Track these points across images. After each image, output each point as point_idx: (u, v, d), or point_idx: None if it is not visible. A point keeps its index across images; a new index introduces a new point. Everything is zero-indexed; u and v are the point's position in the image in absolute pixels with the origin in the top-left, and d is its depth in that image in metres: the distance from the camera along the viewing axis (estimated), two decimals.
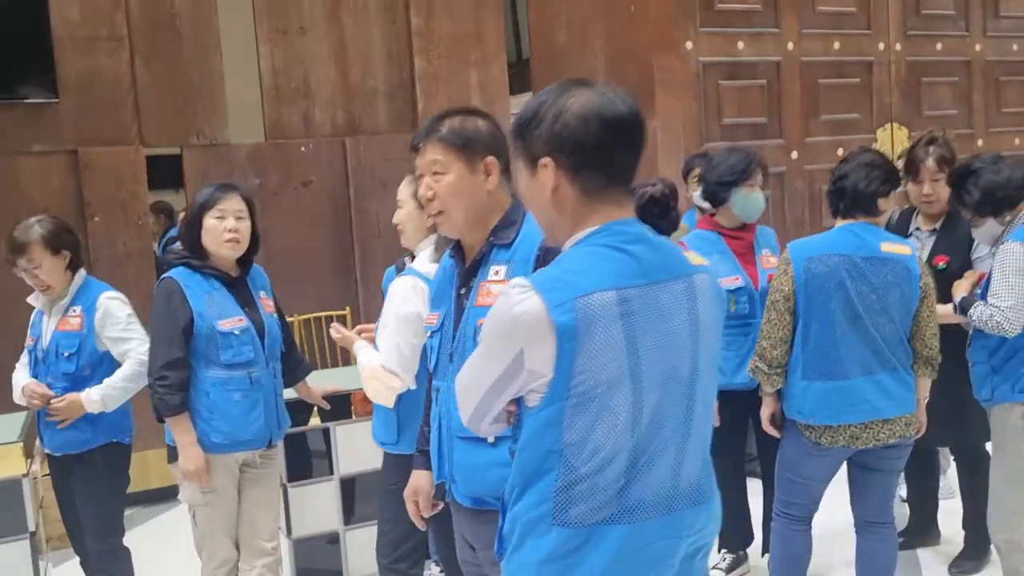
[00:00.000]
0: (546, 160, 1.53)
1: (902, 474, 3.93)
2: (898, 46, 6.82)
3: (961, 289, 3.11)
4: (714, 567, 3.57)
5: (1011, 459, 2.97)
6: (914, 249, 2.92)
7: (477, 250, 2.03)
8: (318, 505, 3.51)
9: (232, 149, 5.12)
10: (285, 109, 5.24)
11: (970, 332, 3.07)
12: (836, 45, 6.59)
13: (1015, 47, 7.31)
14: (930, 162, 3.40)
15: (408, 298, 2.57)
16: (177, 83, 4.95)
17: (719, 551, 3.61)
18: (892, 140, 6.84)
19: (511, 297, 1.46)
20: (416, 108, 5.55)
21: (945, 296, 3.12)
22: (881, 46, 6.76)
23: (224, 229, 2.95)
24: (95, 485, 3.07)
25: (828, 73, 6.59)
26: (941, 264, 3.35)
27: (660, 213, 3.59)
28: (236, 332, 2.93)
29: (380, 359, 2.48)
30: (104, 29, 4.76)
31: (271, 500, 3.11)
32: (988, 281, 2.98)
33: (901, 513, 3.85)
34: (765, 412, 3.01)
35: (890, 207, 2.93)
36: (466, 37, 5.63)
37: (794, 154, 6.19)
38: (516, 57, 6.88)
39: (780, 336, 2.87)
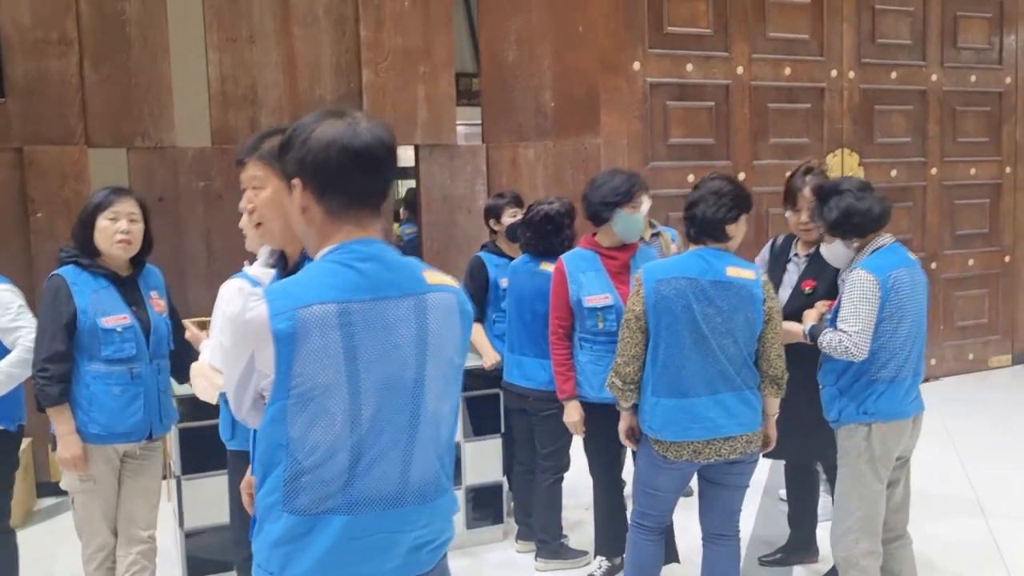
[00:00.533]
0: (296, 181, 1.68)
1: (783, 491, 4.07)
2: (851, 73, 6.94)
3: (810, 317, 3.23)
4: (589, 575, 3.70)
5: (854, 478, 3.08)
6: (758, 274, 3.04)
7: (294, 260, 2.18)
8: (211, 497, 3.65)
9: (178, 152, 5.29)
10: (232, 115, 5.41)
11: (821, 356, 3.19)
12: (787, 71, 6.72)
13: (973, 78, 7.40)
14: (807, 191, 3.51)
15: (233, 299, 2.70)
16: (125, 86, 5.13)
17: (595, 557, 3.74)
18: (843, 165, 6.95)
19: (247, 303, 1.60)
20: None
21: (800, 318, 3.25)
22: (834, 73, 6.88)
23: (116, 230, 3.11)
24: None
25: (778, 98, 6.71)
26: (808, 288, 3.46)
27: (554, 230, 3.74)
28: (119, 329, 3.08)
29: (207, 357, 2.62)
30: (54, 32, 4.95)
31: (150, 491, 3.25)
32: (838, 307, 3.10)
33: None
34: (622, 426, 3.14)
35: (740, 232, 3.04)
36: (414, 51, 5.79)
37: (742, 175, 6.30)
38: (477, 69, 7.02)
39: (632, 353, 3.00)
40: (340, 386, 1.59)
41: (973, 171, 7.49)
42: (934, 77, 7.25)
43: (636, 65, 6.16)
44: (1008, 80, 7.52)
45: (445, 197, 5.98)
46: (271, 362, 1.57)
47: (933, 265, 7.21)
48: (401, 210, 7.71)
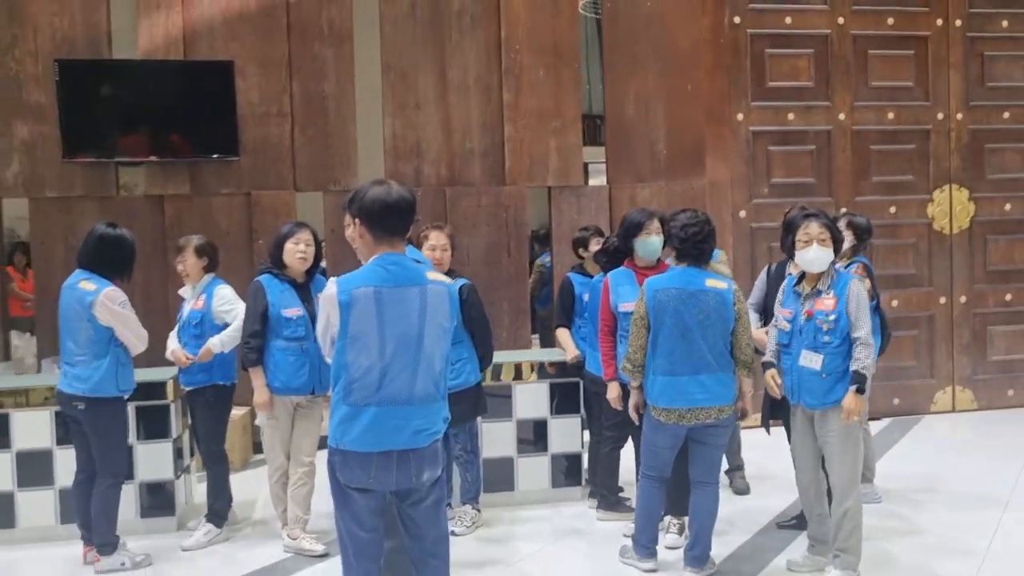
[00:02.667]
0: (356, 221, 2.98)
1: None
2: (959, 115, 7.46)
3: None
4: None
5: (854, 440, 3.96)
6: (730, 284, 4.03)
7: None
8: None
9: None
10: (401, 164, 6.93)
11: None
12: (890, 115, 7.41)
13: None
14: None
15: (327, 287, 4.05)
16: (322, 145, 6.79)
17: (593, 498, 5.01)
18: (951, 200, 7.47)
19: (328, 287, 2.93)
20: (504, 166, 7.07)
21: None
22: (940, 116, 7.46)
23: (297, 251, 4.61)
24: (205, 411, 4.81)
25: (881, 140, 7.40)
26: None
27: (620, 258, 4.85)
28: (294, 318, 4.56)
29: None
30: (274, 107, 6.70)
31: (312, 430, 4.68)
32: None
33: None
34: (632, 400, 4.22)
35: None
36: (547, 110, 7.08)
37: (843, 210, 7.01)
38: (588, 111, 8.19)
39: (639, 344, 4.08)
40: (373, 334, 2.87)
41: None
42: None
43: (740, 116, 7.12)
44: None
45: (573, 230, 7.18)
46: (337, 318, 2.88)
47: None
48: (536, 245, 9.00)
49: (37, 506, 4.87)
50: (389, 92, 6.92)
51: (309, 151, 6.79)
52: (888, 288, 7.40)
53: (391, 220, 2.96)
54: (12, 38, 6.41)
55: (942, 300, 7.52)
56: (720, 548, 4.41)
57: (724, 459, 5.32)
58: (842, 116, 7.29)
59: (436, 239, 4.83)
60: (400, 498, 2.98)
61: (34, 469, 4.86)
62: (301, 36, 6.75)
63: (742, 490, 5.43)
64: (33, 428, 4.87)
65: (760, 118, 7.17)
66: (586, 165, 8.96)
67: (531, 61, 7.04)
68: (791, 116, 7.22)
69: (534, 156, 7.09)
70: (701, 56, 7.08)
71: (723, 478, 5.32)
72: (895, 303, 7.39)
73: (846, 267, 4.84)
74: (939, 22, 7.42)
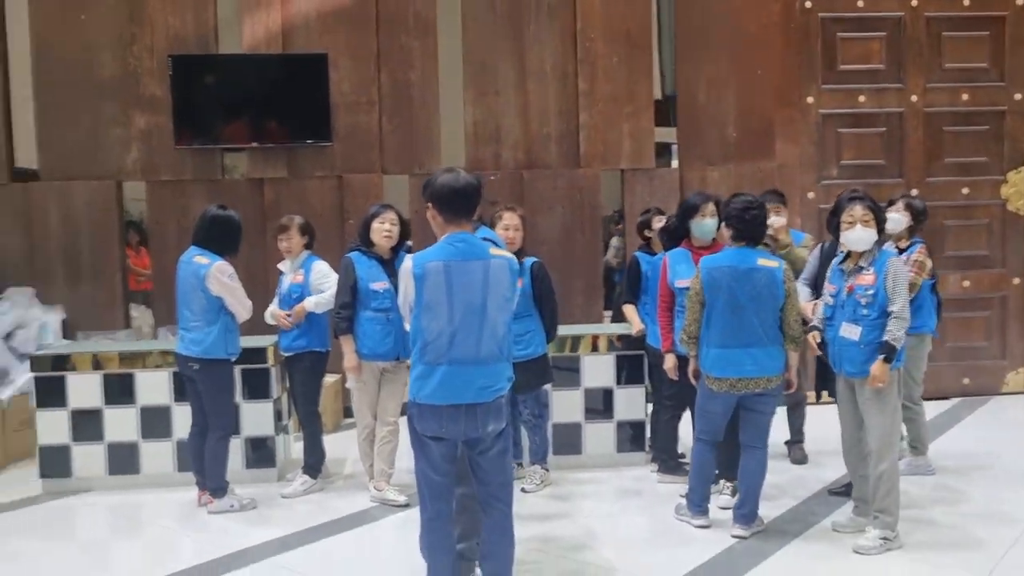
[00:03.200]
0: (429, 205, 3.39)
1: None
2: None
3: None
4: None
5: (895, 405, 4.26)
6: (781, 264, 4.32)
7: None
8: None
9: None
10: (480, 149, 7.36)
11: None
12: (965, 96, 7.44)
13: None
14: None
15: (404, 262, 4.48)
16: (408, 132, 7.26)
17: (654, 462, 5.39)
18: None
19: (406, 262, 3.37)
20: (579, 150, 7.41)
21: None
22: (1018, 96, 7.45)
23: (383, 230, 5.09)
24: (302, 375, 5.35)
25: (955, 121, 7.46)
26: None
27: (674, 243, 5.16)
28: (380, 291, 5.03)
29: None
30: (364, 97, 7.20)
31: (397, 393, 5.15)
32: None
33: None
34: (690, 367, 4.56)
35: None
36: (620, 96, 7.39)
37: (914, 192, 7.13)
38: (661, 95, 8.46)
39: (694, 318, 4.41)
40: (443, 302, 3.29)
41: None
42: None
43: (810, 99, 7.29)
44: None
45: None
46: (412, 289, 3.32)
47: None
48: (612, 226, 9.31)
49: (157, 455, 5.52)
50: (470, 80, 7.33)
51: (396, 137, 7.28)
52: (961, 269, 7.50)
53: (458, 203, 3.37)
54: (132, 36, 7.06)
55: (1015, 281, 7.55)
56: (770, 510, 4.73)
57: (788, 431, 5.65)
58: (914, 98, 7.38)
59: (509, 219, 5.23)
60: (469, 447, 3.42)
61: (155, 423, 5.51)
62: (389, 29, 7.22)
63: (800, 460, 5.70)
64: (154, 387, 5.51)
65: (830, 101, 7.33)
66: (668, 145, 9.22)
67: (605, 49, 7.35)
68: (862, 98, 7.35)
69: (608, 140, 7.41)
70: (772, 40, 7.28)
71: (782, 448, 5.63)
72: (966, 283, 7.48)
73: (907, 248, 5.07)
74: (1019, 1, 7.40)
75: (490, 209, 5.32)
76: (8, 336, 6.53)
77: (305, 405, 5.38)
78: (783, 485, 5.21)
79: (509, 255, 3.48)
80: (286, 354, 5.38)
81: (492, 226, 5.14)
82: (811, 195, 7.33)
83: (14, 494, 5.47)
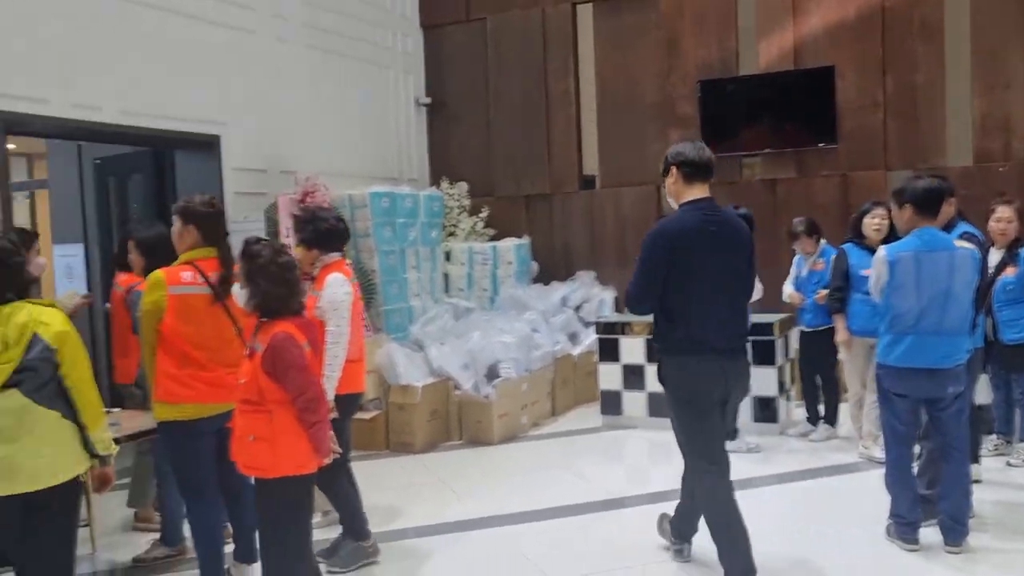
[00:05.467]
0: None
1: None
2: None
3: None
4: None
5: None
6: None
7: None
8: None
9: (946, 171, 7.66)
10: (988, 141, 7.54)
11: None
12: None
13: None
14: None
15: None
16: (912, 129, 7.75)
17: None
18: None
19: (880, 251, 4.22)
20: None
21: None
22: None
23: (872, 224, 5.86)
24: (825, 346, 6.37)
25: None
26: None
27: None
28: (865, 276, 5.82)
29: None
30: (869, 99, 7.87)
31: None
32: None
33: None
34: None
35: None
36: None
37: None
38: None
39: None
40: (912, 284, 4.07)
41: None
42: None
43: None
44: None
45: None
46: (886, 273, 4.14)
47: None
48: None
49: (634, 402, 7.15)
50: (979, 74, 7.55)
51: (900, 135, 7.82)
52: None
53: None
54: (669, 67, 8.67)
55: None
56: None
57: None
58: None
59: (1001, 212, 5.62)
60: (929, 404, 4.17)
61: (633, 377, 7.13)
62: (894, 36, 7.78)
63: None
64: (633, 349, 7.15)
65: None
66: None
67: None
68: None
69: None
70: None
71: None
72: None
73: None
74: None
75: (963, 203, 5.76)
76: (578, 308, 8.57)
77: (825, 370, 6.47)
78: None
79: (971, 247, 4.12)
80: (807, 329, 6.46)
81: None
82: None
83: (583, 424, 7.38)
